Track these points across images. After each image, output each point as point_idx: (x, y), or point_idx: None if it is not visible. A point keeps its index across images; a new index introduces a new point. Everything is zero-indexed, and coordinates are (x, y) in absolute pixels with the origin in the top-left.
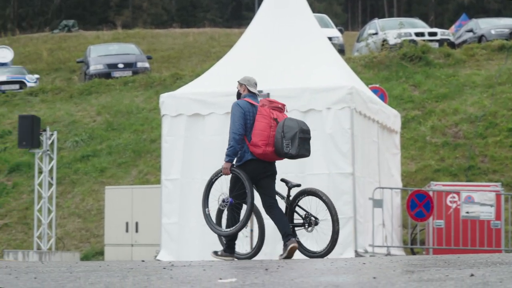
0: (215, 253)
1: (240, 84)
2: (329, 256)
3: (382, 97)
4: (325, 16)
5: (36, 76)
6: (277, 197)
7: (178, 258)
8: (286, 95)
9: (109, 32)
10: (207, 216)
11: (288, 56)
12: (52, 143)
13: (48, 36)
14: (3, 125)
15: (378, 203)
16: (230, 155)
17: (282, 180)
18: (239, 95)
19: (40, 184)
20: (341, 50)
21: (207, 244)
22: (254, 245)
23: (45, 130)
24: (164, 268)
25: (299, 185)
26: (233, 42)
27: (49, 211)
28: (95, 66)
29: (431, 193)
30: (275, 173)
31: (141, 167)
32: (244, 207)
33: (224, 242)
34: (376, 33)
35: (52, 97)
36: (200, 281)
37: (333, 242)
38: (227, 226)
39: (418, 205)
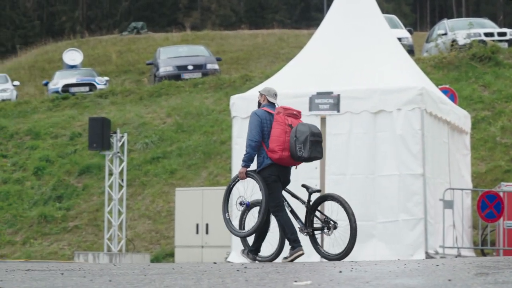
0: (285, 258)
1: (261, 94)
2: (400, 257)
3: (452, 98)
4: (394, 16)
5: (106, 78)
6: (298, 202)
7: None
8: (356, 96)
9: (178, 34)
10: (227, 220)
11: (358, 57)
12: (122, 145)
13: (117, 38)
14: (73, 127)
15: (448, 204)
16: (246, 161)
17: (303, 185)
18: (259, 105)
19: (110, 186)
20: (410, 51)
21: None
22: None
23: (115, 132)
24: (237, 271)
25: (319, 191)
26: (302, 43)
27: (120, 213)
28: (164, 68)
29: (501, 194)
30: (289, 181)
31: (211, 168)
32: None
33: (247, 244)
34: (445, 34)
35: (122, 99)
36: (275, 283)
37: (351, 246)
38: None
39: (488, 206)
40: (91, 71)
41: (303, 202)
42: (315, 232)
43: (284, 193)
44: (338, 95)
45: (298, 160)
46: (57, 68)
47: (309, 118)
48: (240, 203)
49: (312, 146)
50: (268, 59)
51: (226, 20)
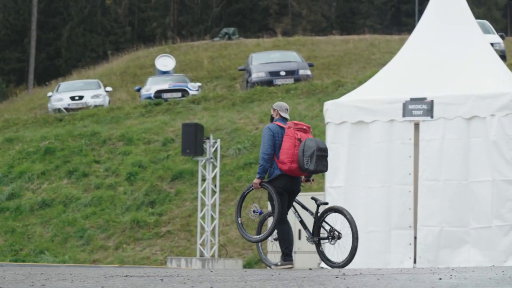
0: (276, 264)
1: (273, 109)
2: (494, 263)
3: None
4: (486, 22)
5: (198, 84)
6: (307, 213)
7: None
8: (450, 102)
9: (269, 40)
10: (239, 225)
11: (452, 63)
12: (215, 151)
13: (209, 44)
14: (165, 133)
15: None
16: (260, 173)
17: (312, 198)
18: (272, 119)
19: (203, 192)
20: (502, 56)
21: (371, 251)
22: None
23: (208, 138)
24: (336, 277)
25: (326, 203)
26: (393, 49)
27: (212, 219)
28: (257, 74)
29: None
30: (298, 191)
31: None
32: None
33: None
34: None
35: (214, 105)
36: None
37: (351, 256)
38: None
39: None
40: (184, 77)
41: (311, 213)
42: (321, 241)
43: (295, 204)
44: (432, 101)
45: (305, 171)
46: (149, 74)
47: (403, 124)
48: (254, 211)
49: (318, 160)
50: (360, 64)
51: (317, 26)
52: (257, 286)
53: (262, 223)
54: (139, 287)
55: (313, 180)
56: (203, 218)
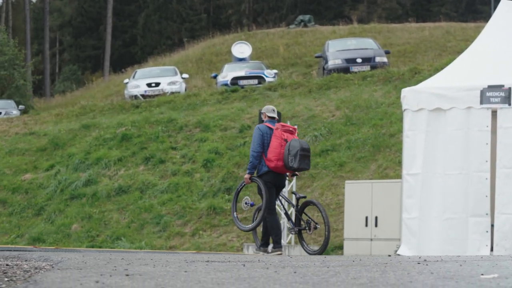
0: (261, 249)
1: (262, 113)
2: None
3: None
4: None
5: (275, 71)
6: (289, 204)
7: (418, 253)
8: None
9: (345, 27)
10: (235, 218)
11: None
12: None
13: (284, 31)
14: (242, 120)
15: None
16: (250, 169)
17: (293, 192)
18: (261, 121)
19: None
20: None
21: (448, 239)
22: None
23: None
24: (418, 263)
25: (304, 197)
26: (469, 36)
27: (289, 205)
28: (333, 61)
29: None
30: (283, 186)
31: (380, 161)
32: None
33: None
34: None
35: (291, 92)
36: (462, 276)
37: (326, 244)
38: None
39: None
40: (260, 64)
41: (293, 205)
42: (302, 231)
43: (280, 197)
44: (509, 88)
45: (289, 169)
46: (225, 61)
47: (480, 112)
48: (245, 203)
49: (301, 159)
50: (435, 52)
51: (392, 13)
52: (341, 272)
53: (257, 212)
54: (222, 272)
55: (298, 174)
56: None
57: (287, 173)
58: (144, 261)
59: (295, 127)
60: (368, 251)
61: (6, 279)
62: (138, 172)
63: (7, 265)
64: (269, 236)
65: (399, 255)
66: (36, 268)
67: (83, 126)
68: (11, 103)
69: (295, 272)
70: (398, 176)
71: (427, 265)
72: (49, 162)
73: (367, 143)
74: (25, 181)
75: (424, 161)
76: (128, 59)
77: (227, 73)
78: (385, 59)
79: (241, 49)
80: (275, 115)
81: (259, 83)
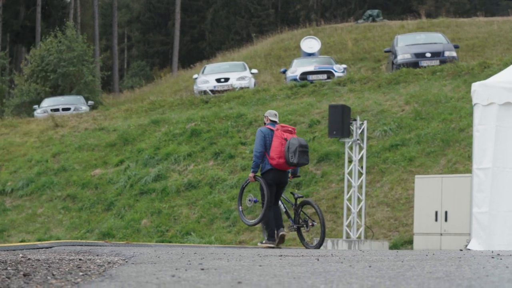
0: (261, 242)
1: (265, 116)
2: None
3: None
4: None
5: (344, 66)
6: (287, 204)
7: (489, 247)
8: None
9: (413, 22)
10: (240, 212)
11: None
12: (361, 132)
13: (353, 26)
14: (311, 115)
15: None
16: (253, 168)
17: (291, 193)
18: (264, 124)
19: (350, 173)
20: None
21: None
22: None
23: (355, 120)
24: (492, 258)
25: (302, 197)
26: None
27: (359, 200)
28: (402, 56)
29: None
30: (286, 183)
31: (449, 156)
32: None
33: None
34: None
35: (360, 87)
36: None
37: (322, 240)
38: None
39: None
40: (329, 59)
41: (292, 204)
42: (300, 228)
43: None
44: None
45: (290, 165)
46: (293, 56)
47: None
48: (249, 200)
49: (300, 155)
50: (504, 46)
51: (460, 8)
52: (416, 266)
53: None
54: (297, 266)
55: (299, 175)
56: (349, 199)
57: (289, 172)
58: (217, 255)
59: (294, 127)
60: (438, 246)
61: (80, 273)
62: (208, 167)
63: (80, 259)
64: (276, 228)
65: (469, 249)
66: (109, 263)
67: (152, 121)
68: (80, 98)
69: (370, 266)
70: (468, 170)
71: (501, 259)
72: (119, 158)
73: (436, 137)
74: (95, 177)
75: (494, 155)
76: (196, 54)
77: (296, 68)
78: (454, 54)
79: (310, 44)
80: (276, 119)
81: (328, 78)
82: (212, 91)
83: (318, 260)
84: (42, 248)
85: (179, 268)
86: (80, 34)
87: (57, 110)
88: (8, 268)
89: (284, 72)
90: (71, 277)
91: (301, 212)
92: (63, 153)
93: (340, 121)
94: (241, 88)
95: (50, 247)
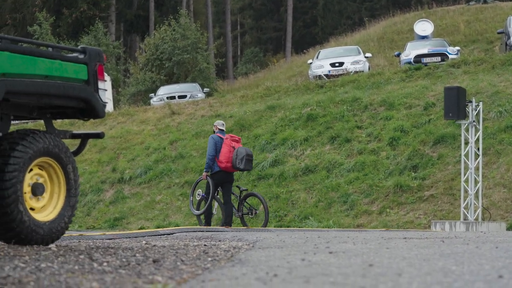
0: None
1: (214, 126)
2: None
3: None
4: None
5: (457, 48)
6: (232, 196)
7: None
8: None
9: None
10: (190, 202)
11: None
12: (477, 114)
13: (464, 8)
14: (426, 97)
15: None
16: (206, 168)
17: (237, 186)
18: (214, 132)
19: (466, 155)
20: None
21: None
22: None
23: (470, 101)
24: None
25: (246, 190)
26: None
27: (476, 182)
28: None
29: None
30: (232, 181)
31: None
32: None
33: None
34: None
35: (474, 68)
36: None
37: (265, 222)
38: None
39: None
40: (443, 41)
41: (236, 196)
42: (244, 215)
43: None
44: None
45: (236, 169)
46: (406, 39)
47: None
48: (198, 194)
49: (246, 162)
50: None
51: None
52: None
53: (200, 202)
54: (424, 248)
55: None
56: (466, 181)
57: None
58: (342, 238)
59: (240, 138)
60: None
61: (209, 258)
62: (324, 151)
63: (204, 245)
64: (210, 218)
65: None
66: (235, 248)
67: (268, 107)
68: (196, 86)
69: (496, 247)
70: None
71: None
72: None
73: None
74: None
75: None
76: (309, 39)
77: (410, 51)
78: None
79: (423, 27)
80: (223, 128)
81: (442, 60)
82: (326, 75)
83: (443, 242)
84: (164, 234)
85: (307, 252)
86: (193, 22)
87: (173, 97)
88: (137, 254)
89: (398, 55)
90: (200, 263)
91: (245, 203)
92: (180, 140)
93: (455, 103)
94: (356, 72)
95: (172, 233)
